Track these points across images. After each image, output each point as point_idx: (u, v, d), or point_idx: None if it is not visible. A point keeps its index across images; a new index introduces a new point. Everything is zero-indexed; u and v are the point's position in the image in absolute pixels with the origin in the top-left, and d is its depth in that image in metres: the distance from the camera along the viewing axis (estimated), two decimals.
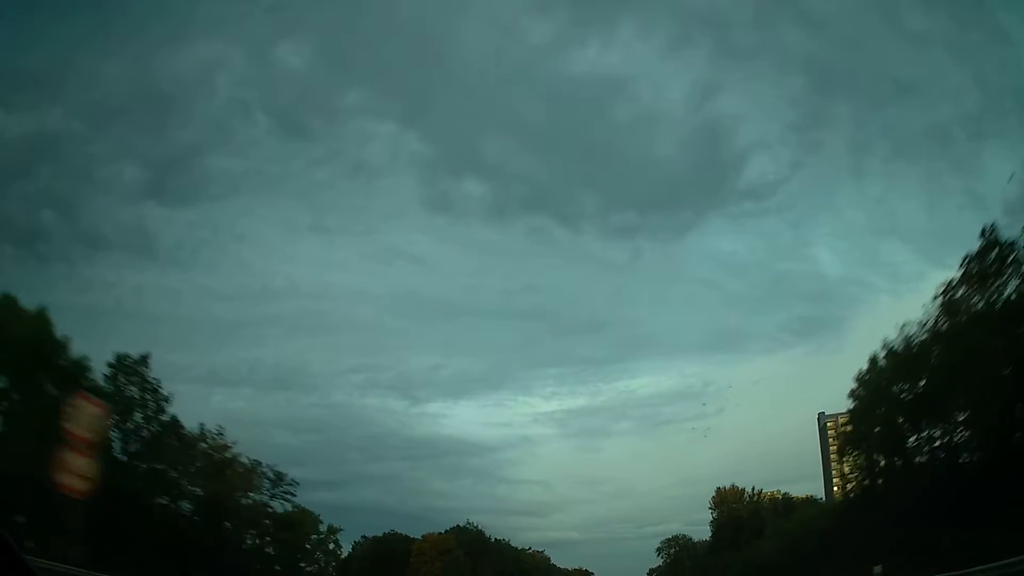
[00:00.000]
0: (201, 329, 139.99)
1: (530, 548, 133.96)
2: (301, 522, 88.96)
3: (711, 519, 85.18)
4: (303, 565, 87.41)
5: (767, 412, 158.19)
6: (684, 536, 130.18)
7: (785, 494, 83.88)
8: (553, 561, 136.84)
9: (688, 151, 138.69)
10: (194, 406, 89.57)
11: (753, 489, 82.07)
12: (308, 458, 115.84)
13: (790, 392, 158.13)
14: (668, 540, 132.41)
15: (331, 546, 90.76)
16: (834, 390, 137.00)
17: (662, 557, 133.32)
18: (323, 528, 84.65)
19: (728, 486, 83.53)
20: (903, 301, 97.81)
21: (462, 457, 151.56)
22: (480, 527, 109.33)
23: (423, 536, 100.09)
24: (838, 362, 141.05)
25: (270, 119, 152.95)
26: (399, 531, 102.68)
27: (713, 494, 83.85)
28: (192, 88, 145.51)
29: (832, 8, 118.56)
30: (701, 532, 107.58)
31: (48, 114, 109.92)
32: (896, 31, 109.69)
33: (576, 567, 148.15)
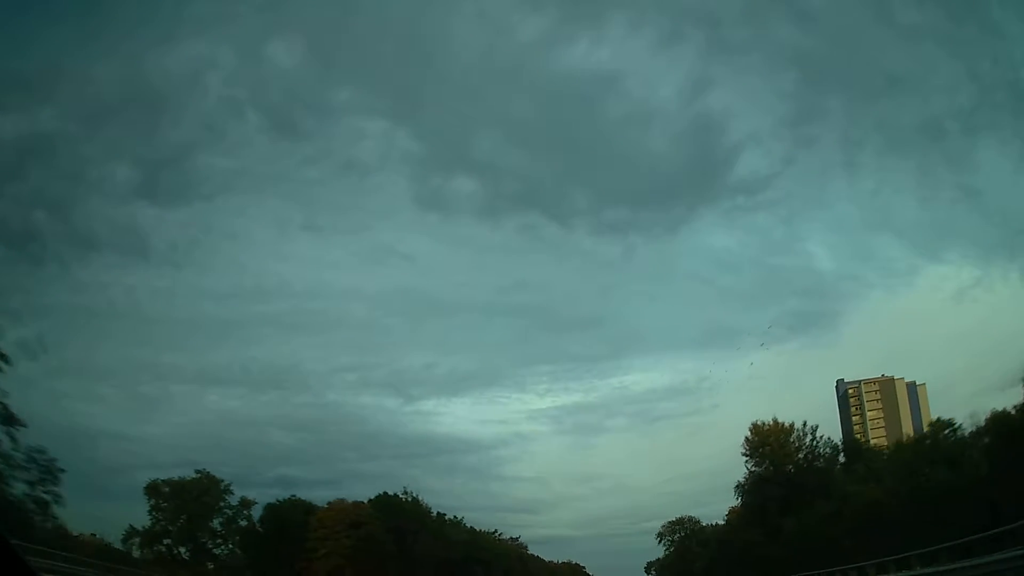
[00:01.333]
0: (194, 329, 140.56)
1: (497, 531, 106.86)
2: (206, 490, 66.44)
3: (745, 473, 57.35)
4: (208, 545, 68.70)
5: (763, 407, 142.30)
6: (691, 519, 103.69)
7: (850, 434, 55.86)
8: (543, 556, 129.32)
9: (680, 147, 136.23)
10: (188, 406, 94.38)
11: (805, 425, 54.37)
12: (303, 457, 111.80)
13: (786, 387, 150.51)
14: (672, 523, 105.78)
15: (243, 523, 70.54)
16: (830, 384, 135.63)
17: (663, 545, 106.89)
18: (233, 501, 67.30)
19: (769, 422, 55.69)
20: (896, 296, 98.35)
21: (456, 455, 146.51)
22: (418, 496, 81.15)
23: (328, 503, 71.89)
24: (833, 357, 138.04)
25: (261, 118, 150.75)
26: (303, 497, 74.80)
27: (747, 435, 55.99)
28: (183, 87, 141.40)
29: (823, 2, 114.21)
30: None
31: (40, 115, 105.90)
32: (888, 25, 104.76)
33: (565, 560, 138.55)
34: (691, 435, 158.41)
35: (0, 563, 3.53)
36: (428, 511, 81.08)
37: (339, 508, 70.88)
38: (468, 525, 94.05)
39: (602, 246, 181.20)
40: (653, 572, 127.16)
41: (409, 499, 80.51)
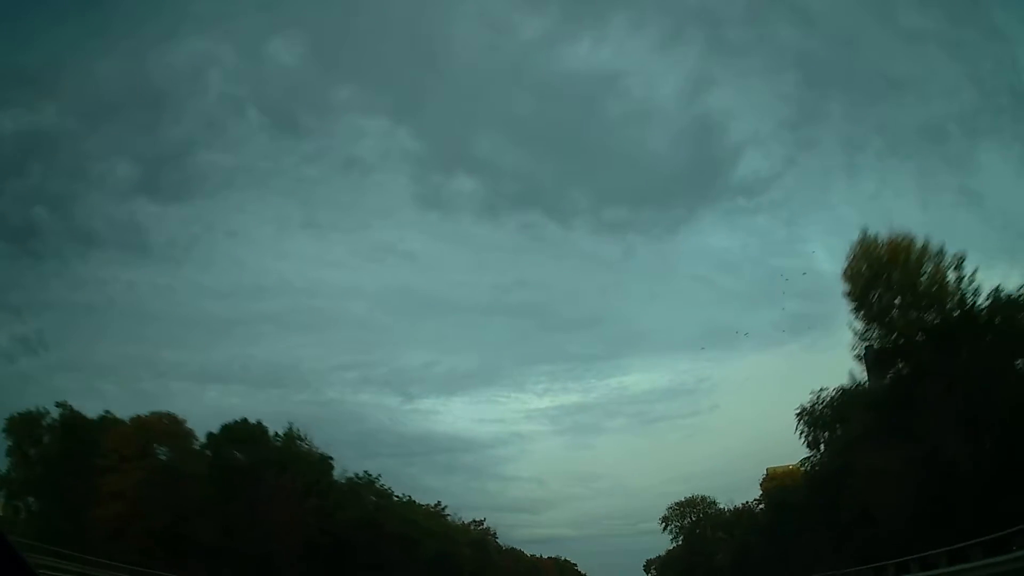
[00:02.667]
0: (194, 326, 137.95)
1: (441, 504, 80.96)
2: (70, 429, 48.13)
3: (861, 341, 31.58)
4: None
5: (761, 408, 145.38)
6: (705, 499, 77.12)
7: None
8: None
9: (680, 147, 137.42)
10: (188, 403, 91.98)
11: (942, 251, 27.55)
12: None
13: (787, 389, 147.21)
14: (680, 504, 79.15)
15: None
16: (829, 385, 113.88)
17: (670, 532, 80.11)
18: None
19: (884, 239, 29.21)
20: None
21: (455, 453, 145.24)
22: (302, 434, 54.79)
23: (131, 419, 45.76)
24: (832, 360, 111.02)
25: (262, 115, 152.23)
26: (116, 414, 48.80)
27: (846, 265, 30.34)
28: (185, 85, 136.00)
29: (825, 4, 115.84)
30: None
31: (42, 112, 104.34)
32: (890, 27, 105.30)
33: (553, 556, 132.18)
34: (690, 436, 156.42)
35: (0, 563, 3.42)
36: (309, 453, 54.49)
37: (144, 423, 44.76)
38: (392, 491, 67.88)
39: (602, 246, 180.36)
40: (653, 571, 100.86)
41: (290, 435, 54.42)
